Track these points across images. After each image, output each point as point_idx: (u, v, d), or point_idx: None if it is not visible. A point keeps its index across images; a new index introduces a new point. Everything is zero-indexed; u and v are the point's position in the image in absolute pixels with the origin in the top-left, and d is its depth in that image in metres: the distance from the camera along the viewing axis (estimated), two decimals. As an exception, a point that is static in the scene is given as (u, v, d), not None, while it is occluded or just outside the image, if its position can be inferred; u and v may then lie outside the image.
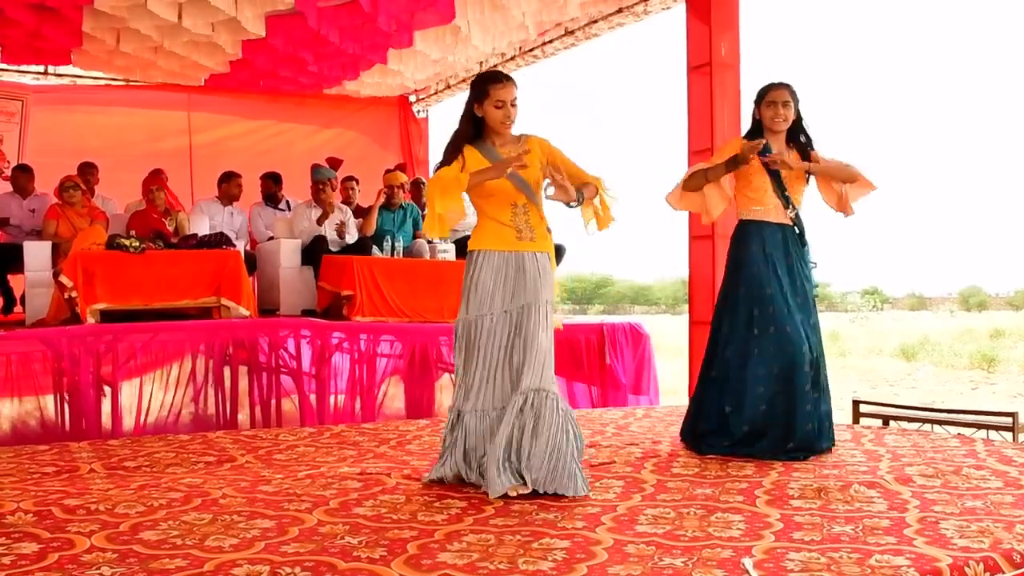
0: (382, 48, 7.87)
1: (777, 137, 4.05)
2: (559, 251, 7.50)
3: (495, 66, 8.90)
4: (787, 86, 4.03)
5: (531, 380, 3.16)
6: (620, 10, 7.44)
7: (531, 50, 8.56)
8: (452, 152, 3.37)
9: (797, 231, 4.05)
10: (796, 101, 4.03)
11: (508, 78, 3.35)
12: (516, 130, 3.40)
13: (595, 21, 7.75)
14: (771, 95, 4.02)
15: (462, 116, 3.41)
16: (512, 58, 8.75)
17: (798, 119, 4.06)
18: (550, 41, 8.29)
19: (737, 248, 4.06)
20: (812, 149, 4.06)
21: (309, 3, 6.61)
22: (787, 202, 4.00)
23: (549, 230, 3.41)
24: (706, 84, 6.38)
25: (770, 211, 4.01)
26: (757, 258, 3.97)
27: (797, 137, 4.08)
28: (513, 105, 3.31)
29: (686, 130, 6.53)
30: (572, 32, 8.05)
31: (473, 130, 3.37)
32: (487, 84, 3.31)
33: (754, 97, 4.11)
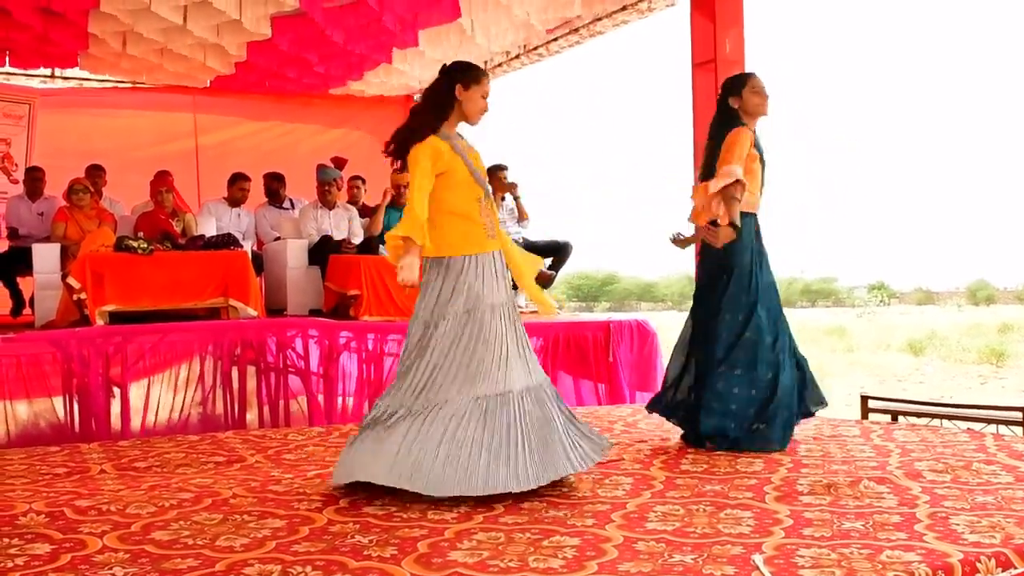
0: (387, 48, 7.87)
1: (756, 123, 4.07)
2: (565, 249, 7.54)
3: (500, 64, 8.90)
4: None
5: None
6: (624, 7, 7.42)
7: (535, 48, 8.55)
8: (424, 129, 3.25)
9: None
10: None
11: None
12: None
13: (599, 19, 7.73)
14: (757, 82, 4.03)
15: (436, 92, 3.28)
16: (517, 56, 8.74)
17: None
18: (555, 39, 8.27)
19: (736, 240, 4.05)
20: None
21: (314, 4, 6.63)
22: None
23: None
24: (711, 81, 6.35)
25: (757, 201, 4.08)
26: (749, 249, 4.03)
27: None
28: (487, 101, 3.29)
29: (691, 127, 6.53)
30: (576, 30, 8.03)
31: (443, 112, 3.26)
32: (479, 72, 3.28)
33: (728, 86, 4.08)
